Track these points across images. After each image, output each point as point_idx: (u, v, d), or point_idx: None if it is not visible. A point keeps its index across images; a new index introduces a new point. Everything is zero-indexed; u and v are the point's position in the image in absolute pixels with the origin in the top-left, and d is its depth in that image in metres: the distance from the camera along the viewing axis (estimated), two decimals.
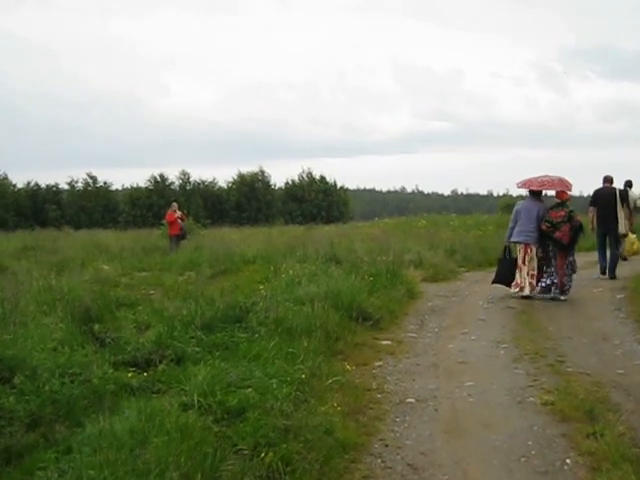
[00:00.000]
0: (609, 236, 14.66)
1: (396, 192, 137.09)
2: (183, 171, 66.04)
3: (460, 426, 6.14)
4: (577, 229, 12.18)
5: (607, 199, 14.50)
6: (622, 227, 14.47)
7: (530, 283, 12.42)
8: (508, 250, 13.01)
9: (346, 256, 15.18)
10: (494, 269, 14.88)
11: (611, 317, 10.67)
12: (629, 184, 15.68)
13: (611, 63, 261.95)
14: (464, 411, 6.53)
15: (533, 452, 5.44)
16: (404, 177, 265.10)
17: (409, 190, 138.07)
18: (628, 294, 12.21)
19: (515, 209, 13.14)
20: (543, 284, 12.46)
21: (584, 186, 31.99)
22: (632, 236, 14.85)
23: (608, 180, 14.86)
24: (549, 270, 12.43)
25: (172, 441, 4.57)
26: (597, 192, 14.86)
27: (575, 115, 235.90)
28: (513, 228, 12.77)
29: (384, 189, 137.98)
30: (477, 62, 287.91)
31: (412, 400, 6.85)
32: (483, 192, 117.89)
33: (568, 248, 12.25)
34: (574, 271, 12.43)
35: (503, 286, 12.92)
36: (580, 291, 13.00)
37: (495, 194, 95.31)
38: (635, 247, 14.93)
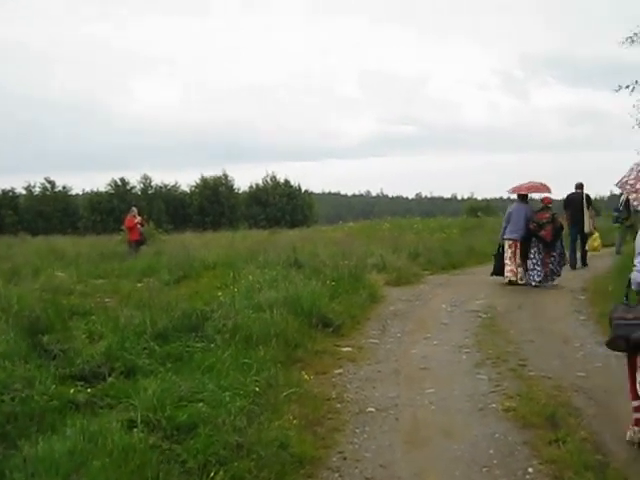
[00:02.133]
0: (579, 234, 16.61)
1: (361, 196, 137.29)
2: (145, 175, 65.27)
3: (421, 435, 6.01)
4: (558, 229, 14.23)
5: (577, 203, 16.48)
6: (587, 227, 16.35)
7: (517, 272, 14.41)
8: (502, 246, 14.74)
9: (308, 261, 14.96)
10: (458, 272, 17.07)
11: (572, 319, 10.69)
12: None
13: (570, 69, 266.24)
14: (425, 419, 6.40)
15: (495, 461, 5.34)
16: (369, 181, 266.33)
17: (374, 194, 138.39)
18: (588, 296, 12.39)
19: (508, 211, 14.99)
20: (534, 276, 14.15)
21: None
22: (596, 234, 16.57)
23: (579, 186, 16.83)
24: (534, 262, 14.17)
25: (113, 463, 4.34)
26: (569, 197, 17.04)
27: (536, 120, 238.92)
28: (506, 227, 14.68)
29: (349, 193, 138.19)
30: (442, 67, 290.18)
31: (372, 409, 6.70)
32: (447, 195, 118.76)
33: (551, 244, 14.11)
34: (564, 263, 14.64)
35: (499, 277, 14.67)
36: (541, 293, 13.23)
37: (459, 197, 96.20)
38: (596, 244, 16.66)
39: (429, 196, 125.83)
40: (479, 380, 7.54)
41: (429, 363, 8.36)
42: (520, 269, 14.48)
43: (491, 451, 5.52)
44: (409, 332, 10.19)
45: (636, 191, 5.48)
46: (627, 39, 10.08)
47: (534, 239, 14.21)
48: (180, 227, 47.42)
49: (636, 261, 5.44)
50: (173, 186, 66.65)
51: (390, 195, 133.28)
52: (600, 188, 38.24)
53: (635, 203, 5.68)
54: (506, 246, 14.56)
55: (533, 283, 14.06)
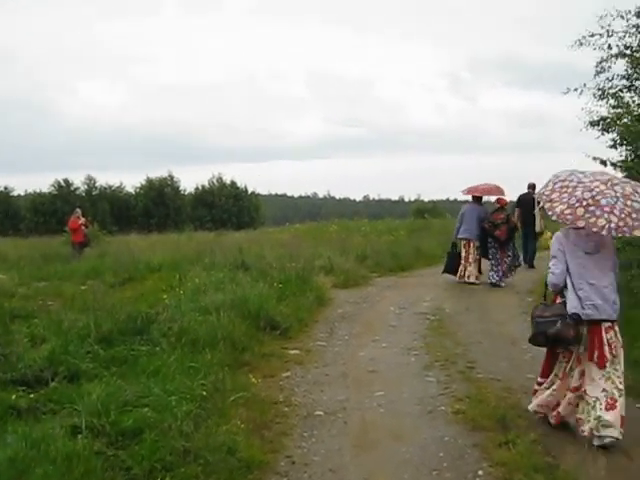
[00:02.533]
0: (529, 233, 17.07)
1: (308, 197, 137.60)
2: (89, 176, 64.41)
3: (370, 439, 5.97)
4: (512, 229, 14.92)
5: (528, 202, 16.84)
6: (538, 226, 16.95)
7: (472, 271, 14.89)
8: (455, 245, 15.34)
9: (255, 263, 14.83)
10: (406, 274, 17.18)
11: (519, 321, 10.71)
12: None
13: (519, 72, 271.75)
14: (374, 423, 6.35)
15: (445, 464, 5.32)
16: (316, 182, 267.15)
17: (321, 195, 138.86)
18: (535, 297, 12.37)
19: (461, 212, 15.49)
20: (490, 277, 14.70)
21: None
22: (548, 233, 16.69)
23: (531, 186, 17.21)
24: (493, 263, 14.74)
25: (56, 471, 4.19)
26: (520, 197, 17.41)
27: (484, 123, 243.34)
28: (459, 227, 15.20)
29: (296, 194, 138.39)
30: (389, 70, 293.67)
31: (321, 413, 6.63)
32: (395, 197, 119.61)
33: (505, 244, 14.71)
34: (518, 264, 15.15)
35: (451, 275, 15.16)
36: (489, 295, 13.30)
37: (407, 199, 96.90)
38: (550, 243, 16.54)
39: (377, 198, 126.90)
40: (428, 383, 7.53)
41: (377, 366, 8.32)
42: (470, 268, 14.93)
43: (441, 454, 5.51)
44: (357, 335, 10.15)
45: (550, 201, 5.85)
46: (576, 42, 10.17)
47: (490, 240, 14.78)
48: (125, 229, 46.89)
49: (550, 264, 6.07)
50: (118, 187, 65.93)
51: (337, 197, 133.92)
52: None
53: (550, 213, 5.97)
54: (462, 247, 15.14)
55: (493, 281, 14.58)
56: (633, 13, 10.00)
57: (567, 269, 5.89)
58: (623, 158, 10.08)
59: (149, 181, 65.55)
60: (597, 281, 5.78)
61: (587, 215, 5.52)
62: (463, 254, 15.07)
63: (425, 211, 36.44)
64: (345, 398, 7.06)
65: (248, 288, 11.01)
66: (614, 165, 9.71)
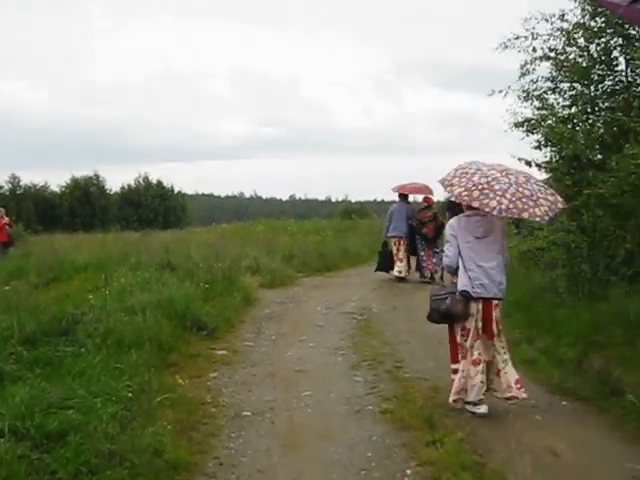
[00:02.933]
0: None
1: (234, 197, 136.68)
2: (13, 175, 62.70)
3: (298, 439, 5.95)
4: (439, 227, 14.70)
5: (458, 204, 17.05)
6: None
7: (404, 267, 15.45)
8: (385, 244, 15.79)
9: (181, 263, 14.67)
10: (332, 274, 17.37)
11: None
12: None
13: (444, 74, 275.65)
14: (302, 423, 6.35)
15: (373, 464, 5.32)
16: (242, 182, 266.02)
17: (247, 195, 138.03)
18: None
19: (389, 211, 15.91)
20: (424, 272, 15.34)
21: None
22: None
23: None
24: (421, 259, 15.38)
25: None
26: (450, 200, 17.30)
27: (410, 124, 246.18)
28: (389, 226, 15.64)
29: (222, 194, 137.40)
30: (315, 70, 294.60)
31: (248, 413, 6.60)
32: (322, 198, 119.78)
33: (433, 241, 15.22)
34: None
35: (384, 273, 15.62)
36: (416, 293, 13.37)
37: (334, 199, 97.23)
38: None
39: (303, 198, 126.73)
40: (355, 382, 7.56)
41: (305, 366, 8.33)
42: (402, 264, 15.46)
43: (369, 454, 5.52)
44: (284, 335, 10.15)
45: (451, 185, 6.41)
46: (501, 45, 10.33)
47: (418, 237, 15.39)
48: (50, 228, 45.65)
49: (444, 248, 6.72)
50: (42, 186, 64.16)
51: (264, 197, 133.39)
52: None
53: (449, 194, 6.59)
54: (392, 243, 15.60)
55: (425, 279, 15.12)
56: (557, 16, 10.21)
57: (459, 252, 6.42)
58: (548, 159, 10.27)
59: (74, 180, 64.12)
60: (485, 263, 6.37)
61: (481, 197, 6.11)
62: (394, 251, 15.51)
63: (352, 212, 36.70)
64: (273, 398, 7.04)
65: (174, 288, 10.94)
66: (539, 166, 9.88)
